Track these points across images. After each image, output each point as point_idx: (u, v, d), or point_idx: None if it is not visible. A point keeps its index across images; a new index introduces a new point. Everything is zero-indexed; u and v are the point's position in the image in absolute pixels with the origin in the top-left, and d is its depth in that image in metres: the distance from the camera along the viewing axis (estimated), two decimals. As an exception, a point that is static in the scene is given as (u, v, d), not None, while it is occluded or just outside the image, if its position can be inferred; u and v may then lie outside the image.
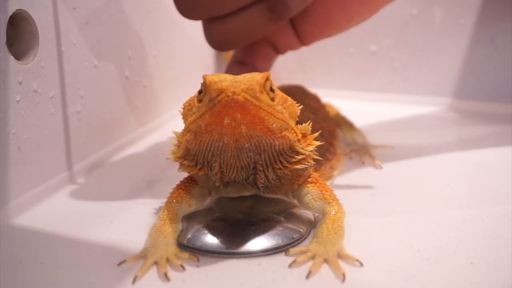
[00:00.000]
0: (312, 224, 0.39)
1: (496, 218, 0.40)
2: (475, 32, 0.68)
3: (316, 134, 0.38)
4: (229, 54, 0.76)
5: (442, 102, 0.70)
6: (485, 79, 0.69)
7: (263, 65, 0.52)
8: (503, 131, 0.60)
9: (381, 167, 0.50)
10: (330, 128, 0.52)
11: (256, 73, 0.35)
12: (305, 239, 0.38)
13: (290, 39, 0.51)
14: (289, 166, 0.36)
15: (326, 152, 0.46)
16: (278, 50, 0.53)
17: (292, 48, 0.53)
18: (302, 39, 0.51)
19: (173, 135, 0.39)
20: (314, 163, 0.39)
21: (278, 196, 0.40)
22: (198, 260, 0.35)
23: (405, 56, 0.72)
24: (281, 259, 0.35)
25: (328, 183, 0.45)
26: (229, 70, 0.51)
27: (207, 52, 0.76)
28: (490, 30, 0.68)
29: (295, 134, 0.36)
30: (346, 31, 0.52)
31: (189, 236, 0.37)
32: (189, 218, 0.39)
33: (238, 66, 0.51)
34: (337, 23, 0.50)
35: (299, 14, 0.48)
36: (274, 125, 0.34)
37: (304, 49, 0.77)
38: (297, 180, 0.39)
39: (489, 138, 0.59)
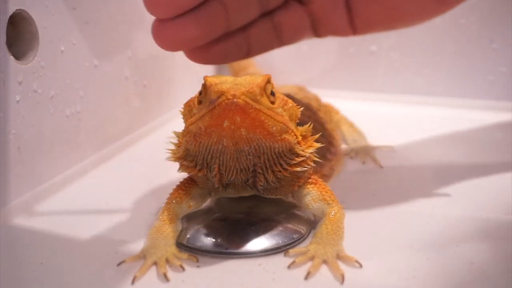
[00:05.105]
0: (312, 225, 0.39)
1: (496, 218, 0.40)
2: (475, 32, 0.68)
3: (317, 136, 0.38)
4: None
5: (442, 102, 0.70)
6: (485, 79, 0.69)
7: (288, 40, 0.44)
8: (503, 131, 0.60)
9: (381, 167, 0.50)
10: (331, 128, 0.52)
11: (257, 75, 0.34)
12: (305, 239, 0.38)
13: (339, 22, 0.43)
14: (289, 168, 0.36)
15: (326, 152, 0.46)
16: (318, 33, 0.44)
17: (339, 34, 0.44)
18: (356, 26, 0.43)
19: (173, 135, 0.39)
20: (314, 165, 0.39)
21: (278, 197, 0.40)
22: (197, 261, 0.35)
23: (405, 56, 0.72)
24: (281, 259, 0.35)
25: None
26: None
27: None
28: (490, 30, 0.67)
29: (295, 137, 0.36)
30: None
31: (189, 236, 0.37)
32: (189, 218, 0.39)
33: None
34: (404, 15, 0.42)
35: None
36: (274, 128, 0.34)
37: (304, 49, 0.78)
38: (297, 182, 0.38)
39: (490, 138, 0.59)
